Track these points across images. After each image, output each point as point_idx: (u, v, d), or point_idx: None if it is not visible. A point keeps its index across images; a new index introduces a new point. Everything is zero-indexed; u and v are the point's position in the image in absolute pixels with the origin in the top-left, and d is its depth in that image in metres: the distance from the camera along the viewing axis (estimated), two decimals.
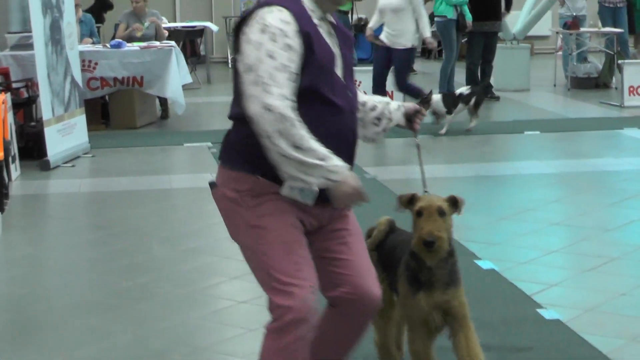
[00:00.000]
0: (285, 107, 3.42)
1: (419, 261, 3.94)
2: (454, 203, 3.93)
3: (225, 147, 3.74)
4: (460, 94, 11.88)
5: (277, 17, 3.48)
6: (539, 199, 8.34)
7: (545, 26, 19.75)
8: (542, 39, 21.57)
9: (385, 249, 4.32)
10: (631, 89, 14.01)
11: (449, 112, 11.71)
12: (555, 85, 16.35)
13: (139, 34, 13.54)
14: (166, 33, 14.11)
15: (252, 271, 3.70)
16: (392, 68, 12.07)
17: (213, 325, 5.50)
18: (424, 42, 12.66)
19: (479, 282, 6.00)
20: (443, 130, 11.66)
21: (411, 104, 4.03)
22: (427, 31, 11.91)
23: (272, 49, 3.44)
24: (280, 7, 3.51)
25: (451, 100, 11.74)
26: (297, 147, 3.42)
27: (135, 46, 12.82)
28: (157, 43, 13.17)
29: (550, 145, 11.22)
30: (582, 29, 16.32)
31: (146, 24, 13.67)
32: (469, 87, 12.28)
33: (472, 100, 11.77)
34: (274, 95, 3.42)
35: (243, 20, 3.56)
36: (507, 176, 9.34)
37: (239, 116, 3.60)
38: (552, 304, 5.62)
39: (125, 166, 10.24)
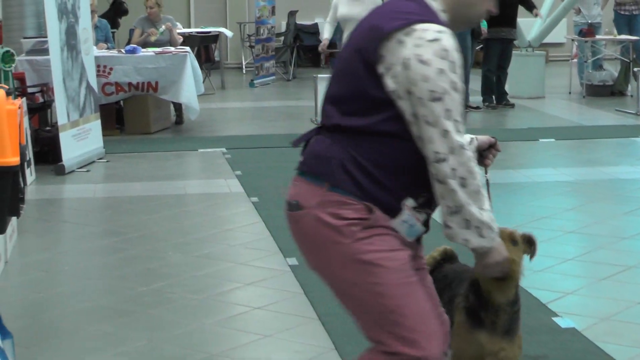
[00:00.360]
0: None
1: (482, 298, 3.58)
2: (529, 243, 3.62)
3: (321, 162, 3.22)
4: None
5: (452, 44, 3.13)
6: (554, 207, 8.31)
7: (560, 33, 19.74)
8: (558, 47, 21.55)
9: (438, 277, 3.89)
10: None
11: None
12: (570, 93, 16.32)
13: (153, 39, 13.56)
14: (180, 39, 14.12)
15: (352, 308, 3.29)
16: None
17: (228, 331, 5.49)
18: None
19: None
20: None
21: (486, 137, 3.66)
22: None
23: (456, 81, 3.10)
24: (447, 31, 3.15)
25: None
26: (475, 193, 3.13)
27: (150, 52, 12.84)
28: (171, 48, 13.19)
29: (565, 153, 11.19)
30: (597, 37, 16.29)
31: (161, 29, 13.69)
32: None
33: None
34: (462, 133, 3.12)
35: (396, 29, 3.13)
36: (522, 184, 9.32)
37: (367, 130, 3.17)
38: (568, 312, 5.60)
39: (140, 172, 10.25)
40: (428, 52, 3.08)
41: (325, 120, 3.29)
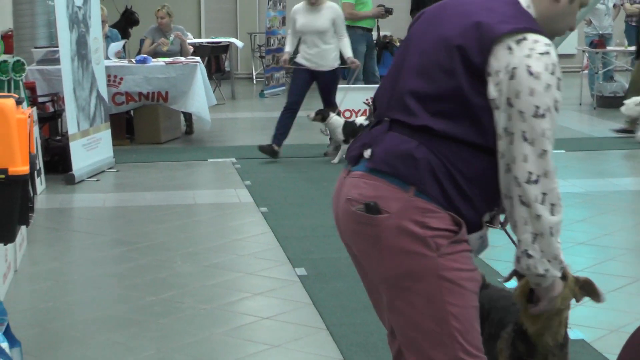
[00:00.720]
0: None
1: (528, 344, 3.32)
2: (587, 288, 3.41)
3: (407, 163, 2.98)
4: (361, 125, 10.94)
5: (557, 59, 2.94)
6: (564, 218, 8.11)
7: (571, 45, 19.72)
8: (568, 58, 21.52)
9: None
10: None
11: (346, 141, 10.91)
12: (581, 104, 16.30)
13: (164, 49, 13.58)
14: (191, 49, 14.15)
15: (414, 324, 3.05)
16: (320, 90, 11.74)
17: (236, 341, 5.49)
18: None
19: None
20: (336, 160, 11.10)
21: None
22: (348, 51, 11.49)
23: (558, 99, 2.91)
24: (553, 44, 2.97)
25: (351, 130, 10.98)
26: (559, 223, 3.00)
27: (160, 62, 12.86)
28: (182, 59, 13.21)
29: (575, 165, 11.16)
30: (608, 48, 16.27)
31: (171, 38, 13.71)
32: (367, 117, 11.51)
33: None
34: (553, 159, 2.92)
35: (507, 33, 2.93)
36: None
37: (460, 139, 2.97)
38: (577, 324, 5.58)
39: (150, 181, 10.26)
40: (539, 65, 2.89)
41: (404, 116, 3.04)
